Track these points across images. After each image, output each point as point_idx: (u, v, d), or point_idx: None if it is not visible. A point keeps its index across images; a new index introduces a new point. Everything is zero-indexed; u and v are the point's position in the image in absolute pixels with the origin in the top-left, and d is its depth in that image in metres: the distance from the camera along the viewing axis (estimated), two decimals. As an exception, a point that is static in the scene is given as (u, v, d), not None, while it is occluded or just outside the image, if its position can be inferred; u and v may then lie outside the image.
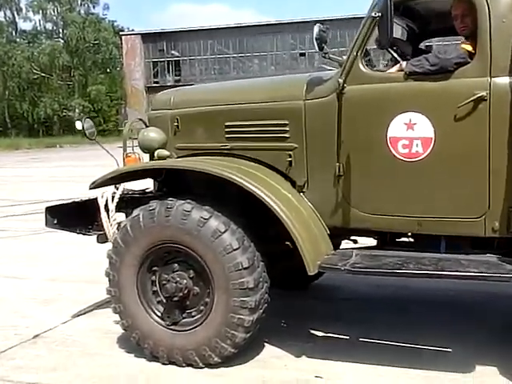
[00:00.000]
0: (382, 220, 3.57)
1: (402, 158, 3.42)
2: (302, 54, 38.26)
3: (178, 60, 48.35)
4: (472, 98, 3.21)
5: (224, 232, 3.50)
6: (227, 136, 4.05)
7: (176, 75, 48.25)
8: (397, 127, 3.41)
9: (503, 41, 3.21)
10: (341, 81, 3.54)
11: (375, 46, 3.58)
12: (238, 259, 3.48)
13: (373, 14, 3.21)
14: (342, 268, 3.40)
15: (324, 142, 3.68)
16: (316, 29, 3.44)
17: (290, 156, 3.80)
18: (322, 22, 3.55)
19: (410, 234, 3.75)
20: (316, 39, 3.45)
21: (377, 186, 3.55)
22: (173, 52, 48.28)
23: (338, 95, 3.57)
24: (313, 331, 4.22)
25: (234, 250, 3.48)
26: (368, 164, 3.56)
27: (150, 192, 4.42)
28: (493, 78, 3.22)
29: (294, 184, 3.82)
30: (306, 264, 3.47)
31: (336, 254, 3.67)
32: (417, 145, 3.37)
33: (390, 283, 4.69)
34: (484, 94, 3.20)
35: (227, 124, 4.04)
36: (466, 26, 3.46)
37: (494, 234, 3.33)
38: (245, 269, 3.48)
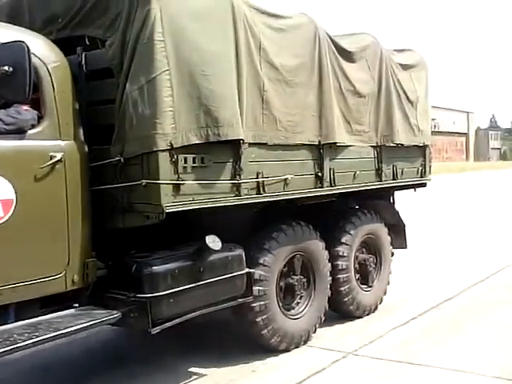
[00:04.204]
0: None
1: (-20, 224, 3.15)
2: None
3: None
4: (52, 161, 3.35)
5: None
6: None
7: None
8: None
9: (66, 109, 3.51)
10: None
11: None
12: None
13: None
14: None
15: None
16: None
17: None
18: None
19: None
20: None
21: None
22: None
23: None
24: None
25: None
26: None
27: None
28: (64, 142, 3.48)
29: None
30: None
31: None
32: None
33: None
34: (59, 156, 3.39)
35: None
36: None
37: (73, 287, 3.50)
38: None
